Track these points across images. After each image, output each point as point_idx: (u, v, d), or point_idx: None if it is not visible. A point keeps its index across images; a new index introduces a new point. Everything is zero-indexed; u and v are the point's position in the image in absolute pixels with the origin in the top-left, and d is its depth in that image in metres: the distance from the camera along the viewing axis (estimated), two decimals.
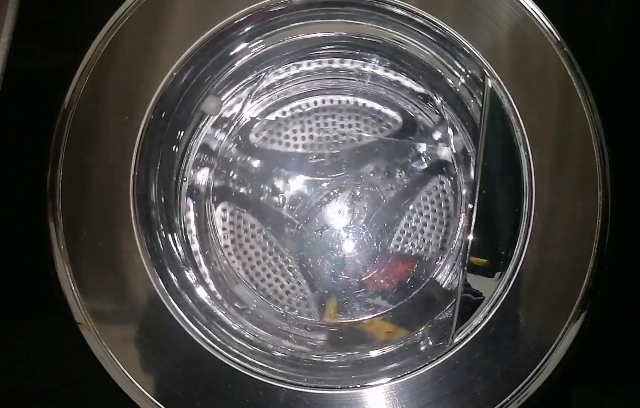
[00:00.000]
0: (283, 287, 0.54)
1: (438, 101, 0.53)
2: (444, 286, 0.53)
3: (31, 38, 0.49)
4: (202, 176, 0.55)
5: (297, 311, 0.53)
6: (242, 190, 0.55)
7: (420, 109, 0.56)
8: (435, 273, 0.53)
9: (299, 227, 0.54)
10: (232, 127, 0.56)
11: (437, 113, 0.54)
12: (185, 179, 0.53)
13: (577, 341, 0.42)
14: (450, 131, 0.53)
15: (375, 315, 0.52)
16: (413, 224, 0.54)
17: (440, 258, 0.53)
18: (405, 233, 0.54)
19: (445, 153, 0.55)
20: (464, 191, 0.53)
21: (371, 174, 0.55)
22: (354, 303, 0.53)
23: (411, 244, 0.54)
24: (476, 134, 0.47)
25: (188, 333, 0.42)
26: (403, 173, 0.55)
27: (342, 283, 0.53)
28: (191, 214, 0.53)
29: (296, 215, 0.54)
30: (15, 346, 0.45)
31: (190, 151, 0.53)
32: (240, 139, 0.56)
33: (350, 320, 0.52)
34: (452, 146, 0.53)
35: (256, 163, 0.56)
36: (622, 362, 0.46)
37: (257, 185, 0.55)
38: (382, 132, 0.56)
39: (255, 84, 0.55)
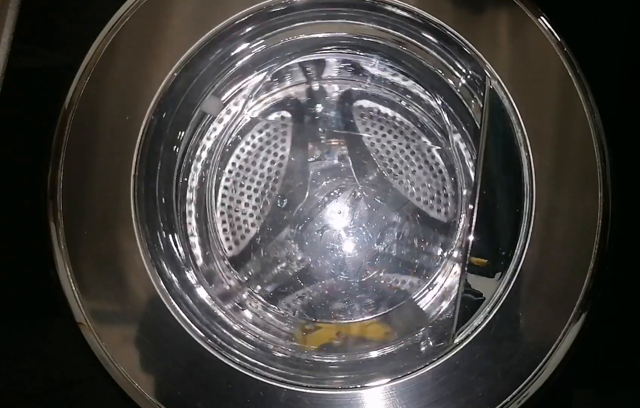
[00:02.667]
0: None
1: (438, 101, 0.53)
2: (443, 287, 0.53)
3: (32, 39, 0.49)
4: (202, 176, 0.55)
5: (297, 312, 0.53)
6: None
7: (421, 110, 0.56)
8: (436, 274, 0.53)
9: (299, 227, 0.54)
10: (233, 127, 0.56)
11: (437, 113, 0.54)
12: (185, 179, 0.53)
13: (577, 342, 0.42)
14: (450, 132, 0.53)
15: (375, 315, 0.52)
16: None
17: (440, 258, 0.53)
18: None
19: (445, 153, 0.55)
20: (464, 192, 0.53)
21: (371, 175, 0.55)
22: (354, 303, 0.53)
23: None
24: (477, 134, 0.47)
25: (188, 333, 0.42)
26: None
27: (342, 283, 0.53)
28: (192, 215, 0.53)
29: (296, 215, 0.54)
30: (15, 346, 0.45)
31: (191, 151, 0.53)
32: (240, 139, 0.56)
33: (350, 321, 0.52)
34: (453, 147, 0.53)
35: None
36: (622, 362, 0.46)
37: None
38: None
39: (256, 84, 0.55)
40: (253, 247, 0.54)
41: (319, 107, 0.57)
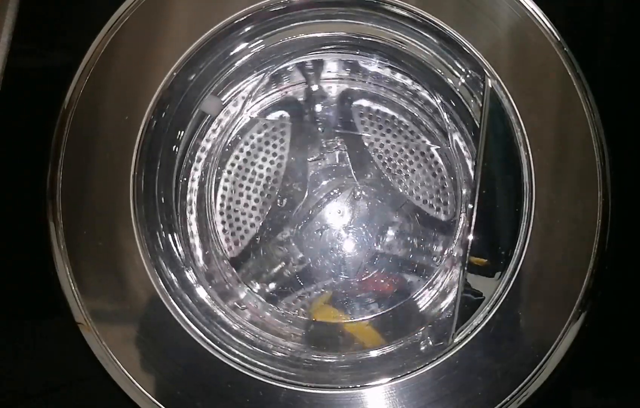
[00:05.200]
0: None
1: (438, 101, 0.53)
2: (443, 286, 0.53)
3: (31, 38, 0.49)
4: (202, 176, 0.55)
5: (297, 311, 0.53)
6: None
7: (420, 109, 0.56)
8: (435, 274, 0.53)
9: (299, 227, 0.54)
10: (232, 127, 0.55)
11: (437, 113, 0.54)
12: (185, 179, 0.53)
13: (577, 341, 0.42)
14: (450, 131, 0.53)
15: (374, 315, 0.52)
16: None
17: (440, 258, 0.53)
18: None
19: (445, 152, 0.55)
20: (464, 191, 0.53)
21: (371, 174, 0.55)
22: (354, 303, 0.53)
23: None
24: (476, 134, 0.47)
25: (188, 333, 0.42)
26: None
27: (342, 283, 0.53)
28: (191, 214, 0.53)
29: (296, 215, 0.54)
30: (15, 346, 0.45)
31: (190, 151, 0.53)
32: (240, 139, 0.56)
33: (350, 321, 0.52)
34: (452, 146, 0.53)
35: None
36: (622, 362, 0.46)
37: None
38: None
39: (255, 84, 0.55)
40: (253, 246, 0.54)
41: (319, 107, 0.57)
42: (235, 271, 0.54)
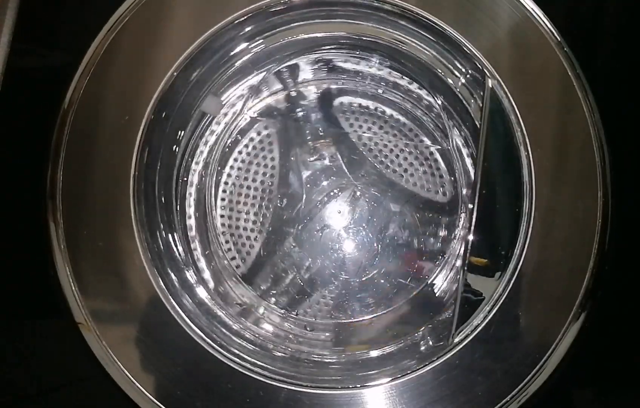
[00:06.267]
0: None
1: (438, 101, 0.53)
2: (443, 286, 0.53)
3: (31, 38, 0.49)
4: (202, 176, 0.55)
5: (297, 311, 0.53)
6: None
7: (421, 109, 0.56)
8: (435, 273, 0.53)
9: (299, 227, 0.54)
10: (232, 126, 0.55)
11: (437, 113, 0.54)
12: (185, 179, 0.53)
13: (577, 341, 0.42)
14: (450, 131, 0.53)
15: (374, 315, 0.52)
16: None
17: (440, 258, 0.53)
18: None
19: (445, 152, 0.55)
20: (464, 191, 0.53)
21: (371, 174, 0.55)
22: (354, 302, 0.53)
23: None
24: (476, 134, 0.47)
25: (188, 333, 0.42)
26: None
27: (342, 283, 0.53)
28: (191, 214, 0.53)
29: (296, 215, 0.54)
30: (15, 346, 0.45)
31: (190, 151, 0.53)
32: (240, 138, 0.56)
33: (350, 320, 0.52)
34: (452, 146, 0.53)
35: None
36: (622, 362, 0.46)
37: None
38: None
39: (256, 84, 0.55)
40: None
41: (319, 107, 0.57)
42: (235, 270, 0.54)
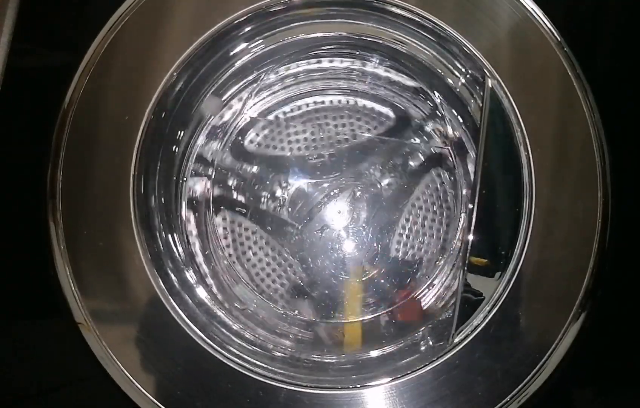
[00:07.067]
0: (283, 287, 0.54)
1: (438, 101, 0.53)
2: (443, 286, 0.53)
3: (31, 38, 0.49)
4: (202, 176, 0.55)
5: (297, 311, 0.53)
6: (242, 189, 0.55)
7: (421, 109, 0.56)
8: (435, 274, 0.53)
9: (299, 227, 0.54)
10: (232, 127, 0.55)
11: (437, 113, 0.54)
12: (185, 179, 0.53)
13: (577, 341, 0.42)
14: (450, 131, 0.53)
15: (374, 315, 0.52)
16: (413, 224, 0.54)
17: (440, 258, 0.53)
18: (405, 233, 0.54)
19: (445, 152, 0.55)
20: (464, 191, 0.53)
21: (371, 174, 0.55)
22: (354, 302, 0.53)
23: (411, 245, 0.54)
24: (476, 134, 0.47)
25: (188, 333, 0.42)
26: (403, 173, 0.55)
27: (342, 283, 0.53)
28: (191, 214, 0.53)
29: (296, 215, 0.54)
30: (15, 346, 0.45)
31: (191, 151, 0.53)
32: (240, 138, 0.56)
33: (350, 320, 0.52)
34: (452, 146, 0.53)
35: (256, 163, 0.56)
36: (622, 362, 0.46)
37: (258, 185, 0.55)
38: (383, 133, 0.56)
39: (255, 84, 0.55)
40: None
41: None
42: (235, 271, 0.54)
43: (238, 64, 0.52)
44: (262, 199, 0.55)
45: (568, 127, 0.45)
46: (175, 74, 0.46)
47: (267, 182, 0.55)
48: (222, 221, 0.55)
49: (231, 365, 0.42)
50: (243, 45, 0.51)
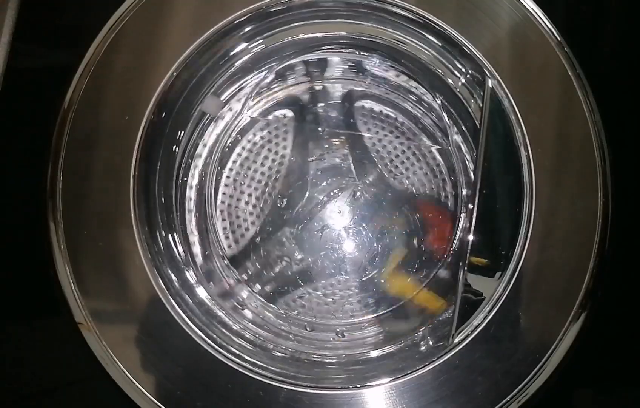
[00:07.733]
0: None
1: (438, 101, 0.53)
2: (442, 286, 0.53)
3: (31, 38, 0.49)
4: (202, 176, 0.55)
5: (297, 311, 0.53)
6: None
7: (421, 109, 0.56)
8: (435, 273, 0.53)
9: (299, 227, 0.54)
10: (232, 127, 0.56)
11: (437, 113, 0.54)
12: (185, 179, 0.53)
13: (577, 341, 0.42)
14: (450, 131, 0.53)
15: (375, 315, 0.52)
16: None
17: (440, 258, 0.53)
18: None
19: (445, 153, 0.55)
20: (464, 191, 0.53)
21: (372, 174, 0.55)
22: (354, 302, 0.53)
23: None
24: (476, 134, 0.47)
25: (188, 333, 0.42)
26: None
27: (342, 283, 0.53)
28: (191, 214, 0.53)
29: (296, 215, 0.54)
30: (15, 346, 0.45)
31: (190, 151, 0.53)
32: (240, 138, 0.56)
33: (350, 320, 0.52)
34: (452, 146, 0.53)
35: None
36: (622, 362, 0.46)
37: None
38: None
39: (255, 84, 0.55)
40: (253, 246, 0.54)
41: (320, 107, 0.57)
42: (234, 269, 0.54)
43: (238, 63, 0.52)
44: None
45: (568, 127, 0.45)
46: (174, 73, 0.46)
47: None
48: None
49: (231, 365, 0.42)
50: (243, 45, 0.51)
